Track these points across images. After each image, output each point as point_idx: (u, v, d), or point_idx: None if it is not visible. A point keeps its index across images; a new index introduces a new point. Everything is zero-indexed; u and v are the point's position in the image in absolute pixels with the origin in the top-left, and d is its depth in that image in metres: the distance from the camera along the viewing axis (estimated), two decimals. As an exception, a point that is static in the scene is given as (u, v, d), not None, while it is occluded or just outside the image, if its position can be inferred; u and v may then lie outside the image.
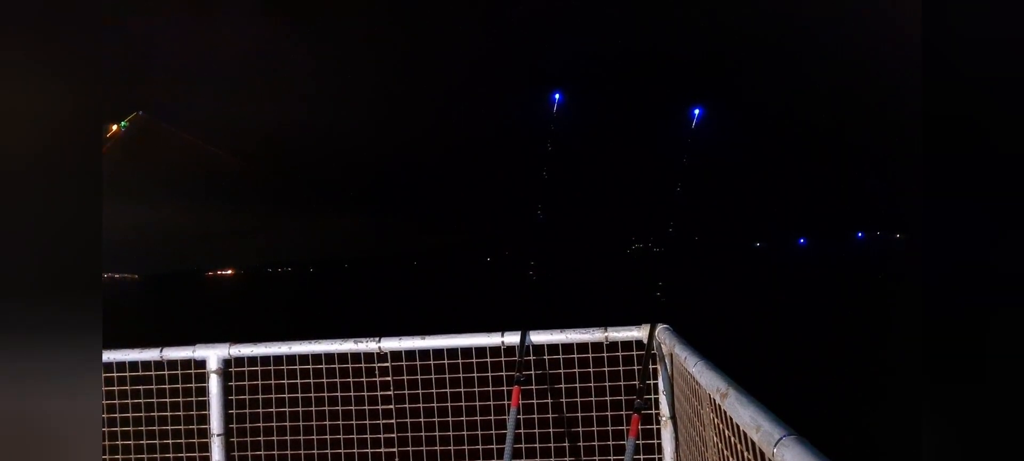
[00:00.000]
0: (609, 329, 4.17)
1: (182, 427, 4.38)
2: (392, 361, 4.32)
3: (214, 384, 4.35)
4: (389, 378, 4.31)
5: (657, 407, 4.00)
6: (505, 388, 4.22)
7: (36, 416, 1.93)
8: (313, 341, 4.38)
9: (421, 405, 4.29)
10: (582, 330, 4.20)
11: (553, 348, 4.26)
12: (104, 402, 4.35)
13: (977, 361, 1.97)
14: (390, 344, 4.31)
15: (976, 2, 2.07)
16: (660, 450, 3.99)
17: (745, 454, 2.14)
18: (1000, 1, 2.03)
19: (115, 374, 4.42)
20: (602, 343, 4.16)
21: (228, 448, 4.35)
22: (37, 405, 1.93)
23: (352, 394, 4.29)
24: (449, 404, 4.26)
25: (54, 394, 1.95)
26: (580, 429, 4.19)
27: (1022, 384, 1.88)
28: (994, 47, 2.01)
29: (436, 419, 4.28)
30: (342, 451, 4.30)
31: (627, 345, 4.14)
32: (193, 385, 4.38)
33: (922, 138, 2.06)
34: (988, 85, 2.01)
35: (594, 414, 4.15)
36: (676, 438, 3.90)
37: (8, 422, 1.91)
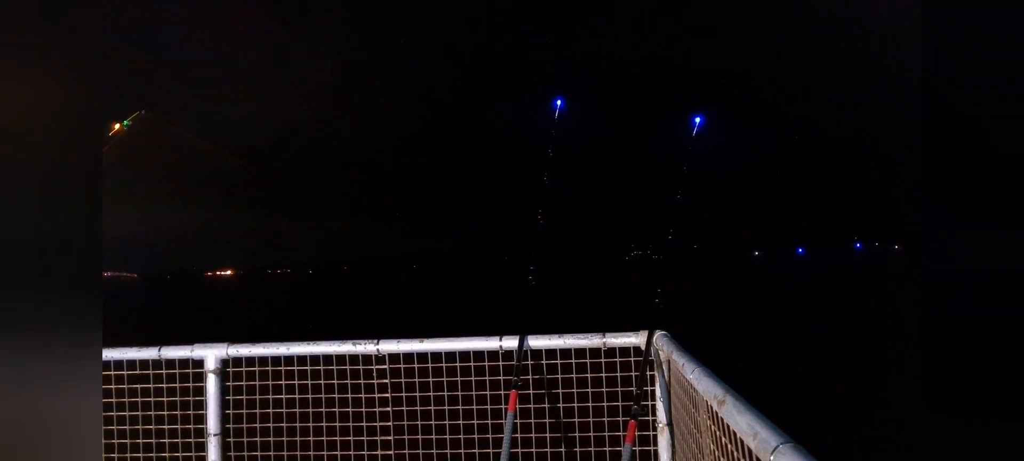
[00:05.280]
0: (607, 335, 4.17)
1: (179, 426, 4.38)
2: (390, 363, 4.32)
3: (211, 384, 4.35)
4: (387, 381, 4.31)
5: (654, 413, 4.00)
6: (503, 392, 4.22)
7: (36, 416, 1.93)
8: (311, 342, 4.38)
9: (418, 408, 4.29)
10: (580, 335, 4.21)
11: (551, 353, 4.26)
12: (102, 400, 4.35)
13: (976, 368, 1.98)
14: (388, 346, 4.31)
15: (976, 2, 2.08)
16: (656, 456, 3.99)
17: (742, 461, 2.14)
18: (1000, 1, 2.04)
19: (112, 372, 4.42)
20: (600, 349, 4.17)
21: (224, 448, 4.35)
22: (37, 405, 1.93)
23: (350, 396, 4.29)
24: (446, 407, 4.26)
25: (54, 394, 1.95)
26: (577, 434, 4.19)
27: (1021, 391, 1.89)
28: (994, 47, 2.01)
29: (433, 422, 4.28)
30: (338, 453, 4.30)
31: (625, 351, 4.14)
32: (190, 384, 4.38)
33: (922, 142, 2.07)
34: (988, 85, 2.02)
35: (591, 420, 4.15)
36: (673, 445, 3.90)
37: (8, 421, 1.91)
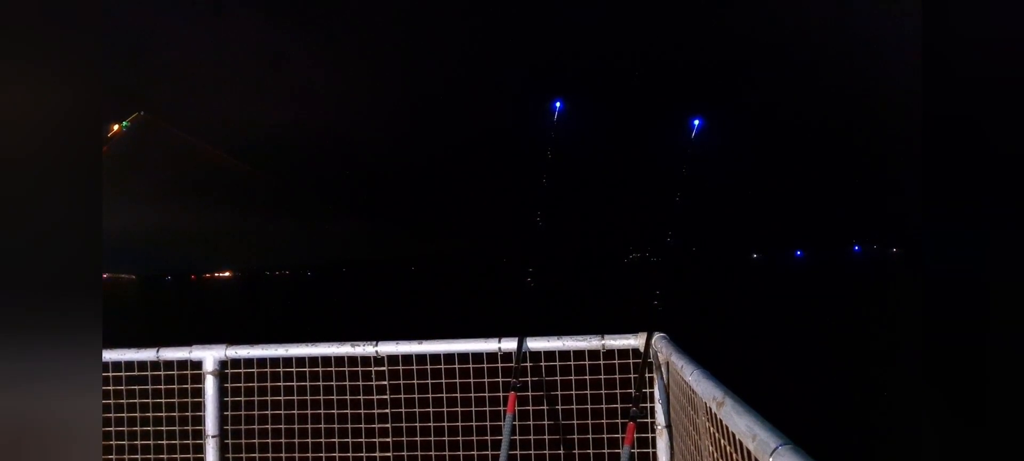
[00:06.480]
0: (606, 337, 4.17)
1: (177, 428, 4.37)
2: (389, 365, 4.32)
3: (210, 385, 4.34)
4: (386, 382, 4.30)
5: (653, 415, 3.99)
6: (501, 394, 4.22)
7: (36, 416, 1.93)
8: (310, 344, 4.37)
9: (417, 410, 4.28)
10: (579, 337, 4.20)
11: (550, 355, 4.25)
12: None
13: (976, 370, 1.98)
14: (387, 348, 4.30)
15: (976, 2, 2.08)
16: (655, 458, 3.99)
17: (740, 463, 2.14)
18: (1000, 1, 2.04)
19: (111, 374, 4.41)
20: (599, 351, 4.16)
21: (222, 450, 4.34)
22: (37, 405, 1.93)
23: (348, 398, 4.28)
24: (445, 409, 4.25)
25: (54, 394, 1.95)
26: (575, 436, 4.19)
27: (1020, 392, 1.88)
28: (994, 47, 2.01)
29: (432, 424, 4.27)
30: (337, 455, 4.29)
31: (624, 353, 4.14)
32: (189, 386, 4.37)
33: (922, 143, 2.07)
34: (988, 85, 2.02)
35: (590, 421, 4.15)
36: (671, 447, 3.89)
37: (9, 421, 1.90)
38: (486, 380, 4.25)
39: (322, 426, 4.29)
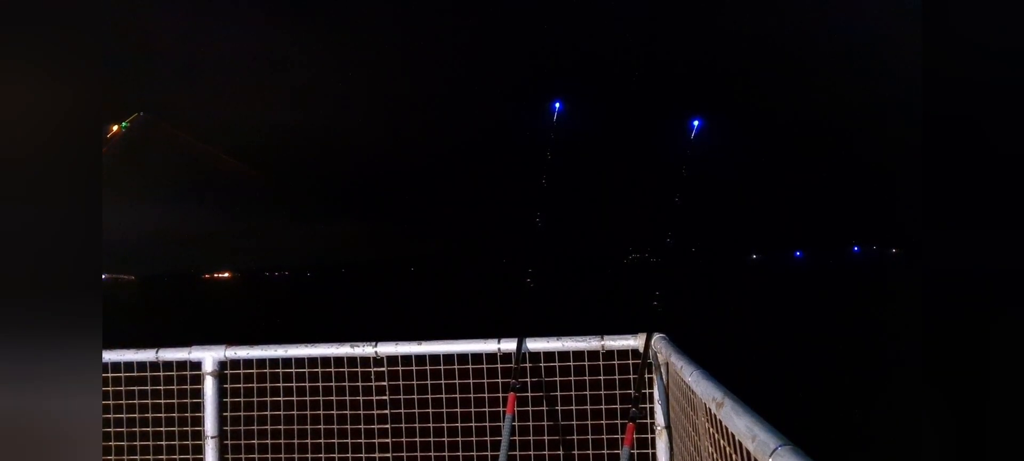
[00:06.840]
0: (606, 337, 4.17)
1: (176, 429, 4.37)
2: (388, 366, 4.32)
3: (209, 386, 4.34)
4: (385, 383, 4.30)
5: (652, 416, 4.00)
6: (501, 394, 4.22)
7: (36, 416, 1.93)
8: (309, 345, 4.37)
9: (416, 410, 4.29)
10: (579, 338, 4.21)
11: (549, 355, 4.26)
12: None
13: (975, 371, 1.98)
14: (386, 349, 4.30)
15: (976, 2, 2.08)
16: (655, 459, 3.99)
17: (740, 464, 2.14)
18: (1000, 2, 2.04)
19: (110, 374, 4.41)
20: (598, 351, 4.17)
21: (222, 451, 4.34)
22: (37, 406, 1.93)
23: (348, 398, 4.28)
24: (444, 410, 4.26)
25: (54, 394, 1.95)
26: (575, 437, 4.19)
27: (1020, 392, 1.89)
28: (994, 48, 2.01)
29: (431, 425, 4.28)
30: (337, 456, 4.29)
31: (623, 354, 4.14)
32: (188, 387, 4.37)
33: (922, 143, 2.07)
34: (988, 85, 2.02)
35: (589, 422, 4.15)
36: (671, 447, 3.89)
37: (8, 422, 1.90)
38: (486, 380, 4.25)
39: (322, 427, 4.29)
